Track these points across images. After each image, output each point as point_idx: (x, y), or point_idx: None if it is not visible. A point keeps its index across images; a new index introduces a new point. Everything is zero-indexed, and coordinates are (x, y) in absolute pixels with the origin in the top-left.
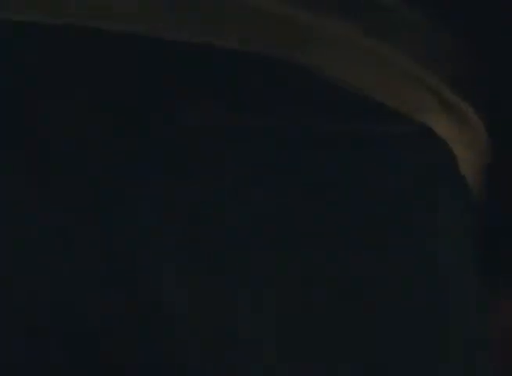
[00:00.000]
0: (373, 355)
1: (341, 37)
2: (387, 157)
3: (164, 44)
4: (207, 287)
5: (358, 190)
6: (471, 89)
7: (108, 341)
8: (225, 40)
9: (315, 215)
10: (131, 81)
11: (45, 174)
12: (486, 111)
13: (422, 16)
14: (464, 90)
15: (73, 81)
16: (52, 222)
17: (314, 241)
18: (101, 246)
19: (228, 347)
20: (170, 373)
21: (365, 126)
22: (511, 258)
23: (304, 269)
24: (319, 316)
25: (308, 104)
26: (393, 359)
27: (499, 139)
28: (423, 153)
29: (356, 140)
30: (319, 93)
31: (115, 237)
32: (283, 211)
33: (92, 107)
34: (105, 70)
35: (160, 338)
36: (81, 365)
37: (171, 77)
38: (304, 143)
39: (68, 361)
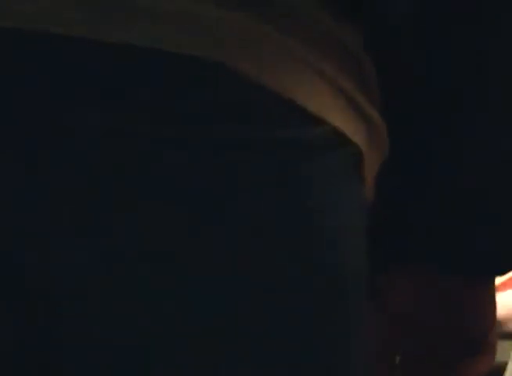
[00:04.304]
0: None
1: (254, 34)
2: (296, 158)
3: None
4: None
5: (259, 191)
6: (376, 94)
7: None
8: (136, 39)
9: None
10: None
11: None
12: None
13: (334, 19)
14: (371, 93)
15: None
16: None
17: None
18: None
19: None
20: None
21: (272, 126)
22: (394, 254)
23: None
24: None
25: (219, 104)
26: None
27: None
28: (331, 153)
29: (257, 142)
30: (231, 93)
31: None
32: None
33: None
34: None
35: None
36: None
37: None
38: (209, 146)
39: None
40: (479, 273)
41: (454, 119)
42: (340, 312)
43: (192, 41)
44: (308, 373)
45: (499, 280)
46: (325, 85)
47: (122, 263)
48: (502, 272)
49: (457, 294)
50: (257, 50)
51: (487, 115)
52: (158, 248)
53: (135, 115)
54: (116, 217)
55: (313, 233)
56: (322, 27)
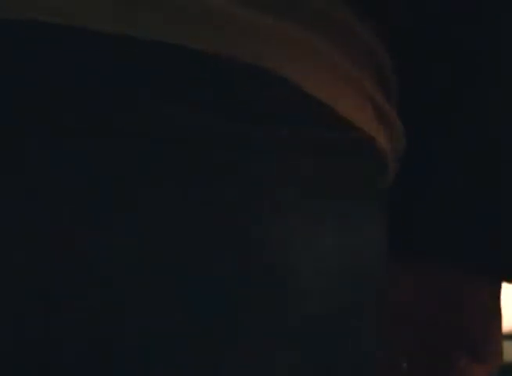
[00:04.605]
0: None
1: (292, 39)
2: (329, 162)
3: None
4: None
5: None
6: (395, 97)
7: None
8: (177, 38)
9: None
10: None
11: None
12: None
13: (356, 17)
14: (391, 97)
15: None
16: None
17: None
18: None
19: None
20: None
21: (308, 130)
22: (393, 254)
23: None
24: None
25: (256, 106)
26: None
27: None
28: (364, 159)
29: (300, 144)
30: (269, 95)
31: None
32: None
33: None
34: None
35: None
36: None
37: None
38: (209, 146)
39: None
40: (479, 273)
41: (454, 119)
42: (340, 312)
43: (194, 32)
44: (309, 373)
45: None
46: (352, 89)
47: (122, 263)
48: (504, 275)
49: (457, 294)
50: (274, 45)
51: (487, 115)
52: (158, 248)
53: (134, 115)
54: (116, 217)
55: (314, 237)
56: (338, 19)
